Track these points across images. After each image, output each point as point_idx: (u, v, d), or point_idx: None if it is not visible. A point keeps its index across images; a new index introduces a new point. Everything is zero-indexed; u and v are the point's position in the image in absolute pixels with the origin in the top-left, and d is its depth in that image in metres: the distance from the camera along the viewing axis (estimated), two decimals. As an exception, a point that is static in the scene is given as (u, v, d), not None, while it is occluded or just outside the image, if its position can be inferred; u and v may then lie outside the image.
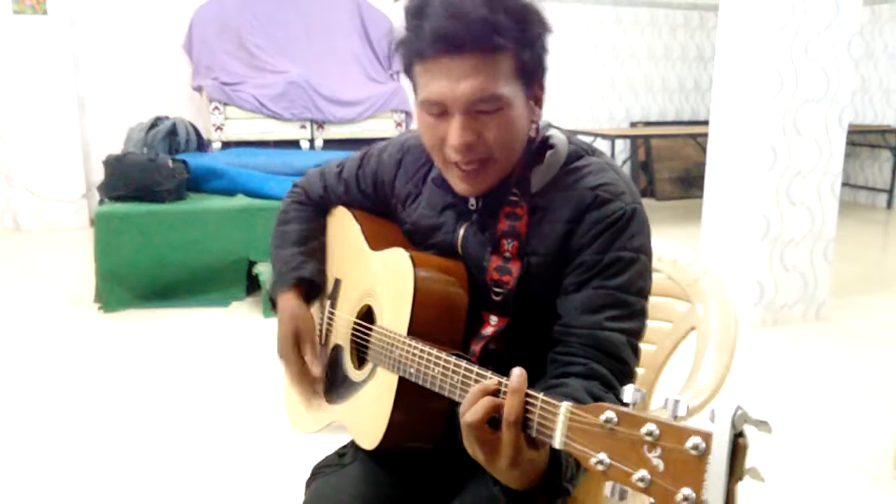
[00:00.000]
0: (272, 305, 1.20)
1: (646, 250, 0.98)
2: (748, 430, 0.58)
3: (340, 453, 1.15)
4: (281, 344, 1.15)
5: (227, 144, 5.10)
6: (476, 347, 0.98)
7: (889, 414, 2.43)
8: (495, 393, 0.77)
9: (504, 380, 0.77)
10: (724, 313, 1.19)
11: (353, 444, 1.12)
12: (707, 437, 0.58)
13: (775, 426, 2.21)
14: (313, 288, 1.19)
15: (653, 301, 1.09)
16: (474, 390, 0.78)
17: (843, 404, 2.63)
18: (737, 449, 0.57)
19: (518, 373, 0.75)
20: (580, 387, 0.89)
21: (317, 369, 1.14)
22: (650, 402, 1.22)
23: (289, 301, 1.16)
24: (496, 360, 0.98)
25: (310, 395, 1.17)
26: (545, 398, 0.72)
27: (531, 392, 0.74)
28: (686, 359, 1.19)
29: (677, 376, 1.19)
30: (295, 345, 1.14)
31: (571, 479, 0.81)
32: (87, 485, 2.05)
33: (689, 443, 0.58)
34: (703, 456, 0.58)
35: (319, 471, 1.14)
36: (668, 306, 1.25)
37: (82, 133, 5.32)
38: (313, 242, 1.23)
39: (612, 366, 0.92)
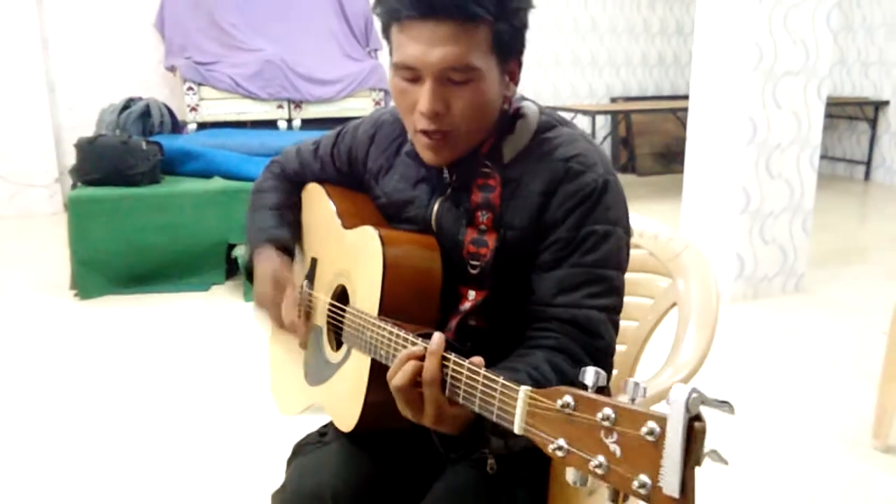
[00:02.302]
0: (247, 273, 1.20)
1: (621, 222, 0.97)
2: (708, 412, 0.55)
3: (321, 432, 1.15)
4: (259, 291, 1.14)
5: (202, 126, 5.02)
6: (452, 323, 0.97)
7: (868, 383, 2.46)
8: (422, 358, 0.80)
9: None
10: (706, 289, 1.18)
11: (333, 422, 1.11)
12: (662, 420, 0.56)
13: (756, 397, 2.22)
14: (286, 253, 1.19)
15: (634, 277, 1.08)
16: (401, 356, 0.82)
17: (823, 374, 2.66)
18: (692, 433, 0.54)
19: (437, 336, 0.80)
20: (543, 358, 0.89)
21: (294, 313, 1.12)
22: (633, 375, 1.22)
23: (265, 254, 1.16)
24: (476, 336, 0.98)
25: (299, 341, 1.16)
26: (504, 382, 0.71)
27: (468, 363, 0.76)
28: (668, 334, 1.18)
29: (659, 352, 1.18)
30: (275, 289, 1.13)
31: (509, 435, 0.80)
32: (66, 473, 2.03)
33: (645, 428, 0.56)
34: (658, 441, 0.56)
35: (300, 449, 1.14)
36: (649, 282, 1.24)
37: (53, 116, 5.20)
38: (287, 212, 1.23)
39: (587, 343, 0.92)
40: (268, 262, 1.15)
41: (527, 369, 0.87)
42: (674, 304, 1.21)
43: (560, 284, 0.93)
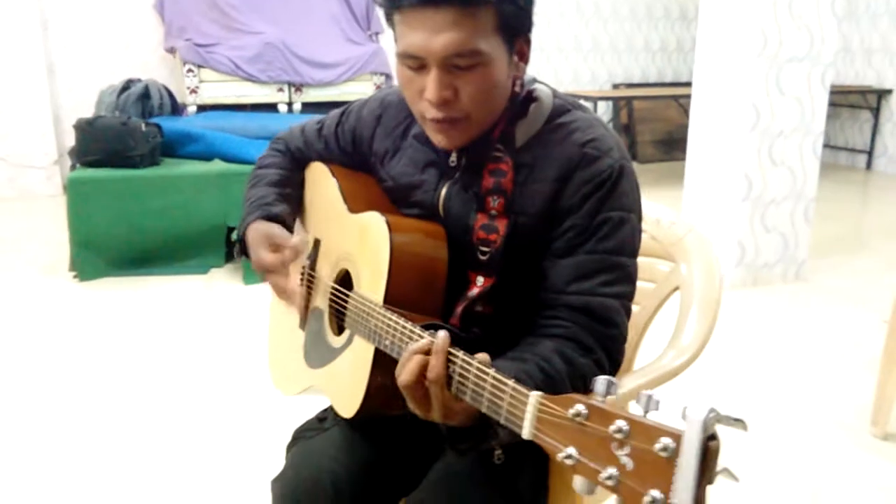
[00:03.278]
0: (241, 248, 1.14)
1: (635, 208, 0.96)
2: (722, 429, 0.55)
3: (321, 417, 1.15)
4: (257, 258, 1.09)
5: (202, 108, 4.99)
6: (458, 308, 0.96)
7: (867, 371, 2.47)
8: (428, 352, 0.79)
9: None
10: (708, 273, 1.18)
11: (333, 408, 1.10)
12: (677, 437, 0.56)
13: (755, 384, 2.21)
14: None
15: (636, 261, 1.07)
16: (406, 353, 0.80)
17: (822, 362, 2.66)
18: (708, 452, 0.54)
19: (442, 334, 0.78)
20: (553, 347, 0.88)
21: (295, 279, 1.10)
22: (633, 364, 1.22)
23: (258, 224, 1.11)
24: (483, 322, 0.97)
25: (300, 309, 1.14)
26: (515, 385, 0.70)
27: (477, 362, 0.75)
28: (670, 318, 1.18)
29: (661, 336, 1.18)
30: (273, 251, 1.08)
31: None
32: (64, 456, 2.03)
33: (659, 444, 0.56)
34: (672, 458, 0.56)
35: (300, 435, 1.13)
36: (651, 266, 1.24)
37: (52, 97, 5.17)
38: (288, 188, 1.20)
39: (600, 331, 0.91)
40: (261, 229, 1.10)
41: (537, 360, 0.86)
42: (676, 289, 1.20)
43: (575, 272, 0.92)
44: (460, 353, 0.77)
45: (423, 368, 0.78)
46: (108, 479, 1.93)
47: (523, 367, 0.84)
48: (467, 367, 0.76)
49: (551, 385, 0.84)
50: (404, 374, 0.79)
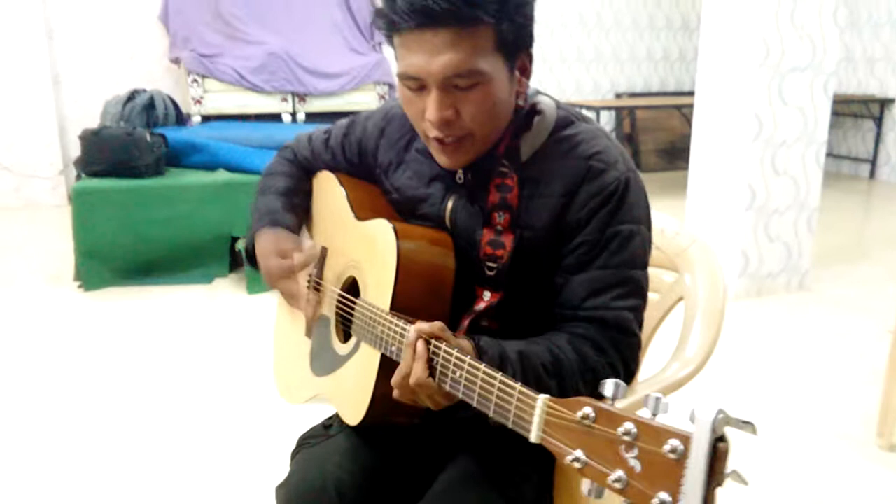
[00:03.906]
0: (250, 259, 1.17)
1: (644, 218, 0.97)
2: (731, 431, 0.55)
3: (326, 424, 1.15)
4: (266, 267, 1.13)
5: (206, 118, 5.01)
6: (464, 322, 0.97)
7: (872, 381, 2.46)
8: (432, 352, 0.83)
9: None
10: (713, 283, 1.18)
11: (339, 415, 1.11)
12: (686, 439, 0.55)
13: (760, 395, 2.20)
14: None
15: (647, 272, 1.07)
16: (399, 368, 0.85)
17: (826, 372, 2.65)
18: (717, 454, 0.54)
19: (420, 345, 0.83)
20: (567, 340, 0.90)
21: (303, 284, 1.12)
22: (638, 376, 1.21)
23: (265, 233, 1.14)
24: (489, 336, 0.97)
25: (311, 314, 1.15)
26: (522, 389, 0.70)
27: (484, 368, 0.77)
28: (674, 329, 1.18)
29: (665, 347, 1.18)
30: (281, 260, 1.11)
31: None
32: (69, 465, 2.03)
33: (668, 445, 0.56)
34: (681, 460, 0.55)
35: (305, 442, 1.13)
36: (655, 277, 1.23)
37: (58, 107, 5.20)
38: (296, 198, 1.21)
39: (616, 337, 0.92)
40: (269, 237, 1.14)
41: (548, 344, 0.89)
42: (680, 299, 1.20)
43: (588, 288, 0.93)
44: (468, 358, 0.78)
45: (407, 377, 0.83)
46: (113, 487, 1.93)
47: (533, 348, 0.87)
48: (475, 371, 0.76)
49: (558, 367, 0.86)
50: (393, 384, 0.86)
